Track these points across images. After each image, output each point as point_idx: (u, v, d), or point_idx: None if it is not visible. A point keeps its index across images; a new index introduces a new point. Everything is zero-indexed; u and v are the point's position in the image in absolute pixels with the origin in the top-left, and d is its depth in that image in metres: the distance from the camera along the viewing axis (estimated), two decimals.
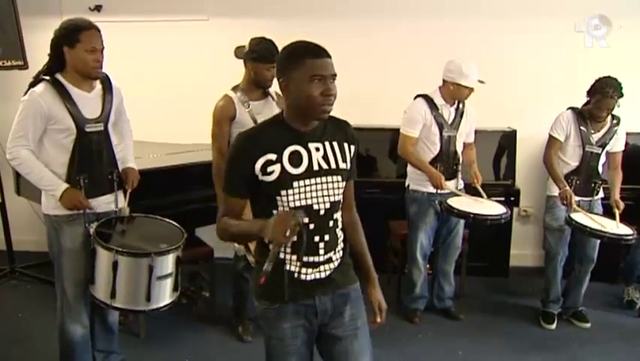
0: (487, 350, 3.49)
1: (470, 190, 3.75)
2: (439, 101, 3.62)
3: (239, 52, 3.28)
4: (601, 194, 3.68)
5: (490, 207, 3.54)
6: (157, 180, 3.64)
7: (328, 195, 1.81)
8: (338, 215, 1.87)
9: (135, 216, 2.90)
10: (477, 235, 4.08)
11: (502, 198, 4.17)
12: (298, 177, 1.77)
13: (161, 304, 2.69)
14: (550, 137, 3.68)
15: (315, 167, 1.79)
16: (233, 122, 3.25)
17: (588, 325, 3.75)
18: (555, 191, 3.64)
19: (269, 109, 3.35)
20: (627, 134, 3.73)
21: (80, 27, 2.61)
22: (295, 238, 1.66)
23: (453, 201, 3.53)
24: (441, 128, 3.59)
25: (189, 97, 4.52)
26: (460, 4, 4.52)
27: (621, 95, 3.45)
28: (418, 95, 3.66)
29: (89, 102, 2.69)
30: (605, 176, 3.72)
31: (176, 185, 3.79)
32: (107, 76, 2.81)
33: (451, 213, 3.50)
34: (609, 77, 3.49)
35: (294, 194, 1.77)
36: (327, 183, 1.81)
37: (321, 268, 1.86)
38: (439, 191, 3.58)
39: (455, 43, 4.34)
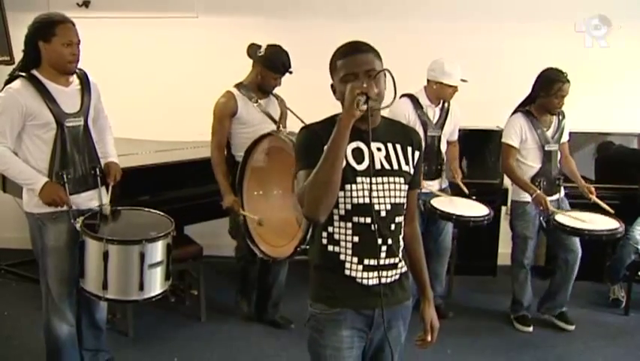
0: (475, 349, 3.51)
1: (455, 188, 3.77)
2: (424, 101, 3.63)
3: (252, 51, 3.31)
4: (563, 190, 3.70)
5: (473, 208, 3.56)
6: (145, 177, 3.62)
7: (389, 197, 1.76)
8: (400, 220, 1.81)
9: (120, 209, 2.89)
10: (465, 234, 4.10)
11: (485, 198, 4.19)
12: (361, 174, 1.73)
13: (154, 293, 2.69)
14: (506, 145, 3.62)
15: (377, 166, 1.75)
16: (235, 118, 3.29)
17: (572, 327, 3.72)
18: (524, 197, 3.59)
19: (273, 106, 3.41)
20: (633, 135, 3.73)
21: (55, 21, 2.59)
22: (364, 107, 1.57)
23: (436, 202, 3.54)
24: (425, 128, 3.59)
25: (178, 94, 4.50)
26: (461, 5, 4.54)
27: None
28: (403, 95, 3.65)
29: (67, 97, 2.67)
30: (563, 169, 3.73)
31: (165, 183, 3.76)
32: (84, 72, 2.79)
33: (434, 214, 3.51)
34: (550, 68, 3.52)
35: (357, 190, 1.72)
36: (388, 183, 1.76)
37: (383, 273, 1.79)
38: (423, 190, 3.59)
39: (455, 45, 4.33)
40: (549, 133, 3.60)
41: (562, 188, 3.68)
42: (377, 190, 1.74)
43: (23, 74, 2.62)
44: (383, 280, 1.78)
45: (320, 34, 4.55)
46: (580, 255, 3.68)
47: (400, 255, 1.84)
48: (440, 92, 3.59)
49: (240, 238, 3.36)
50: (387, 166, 1.77)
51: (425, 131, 3.59)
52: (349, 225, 1.75)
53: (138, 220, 2.89)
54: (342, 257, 1.77)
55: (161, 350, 3.38)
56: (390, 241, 1.78)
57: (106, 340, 3.08)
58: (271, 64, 3.24)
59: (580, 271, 3.77)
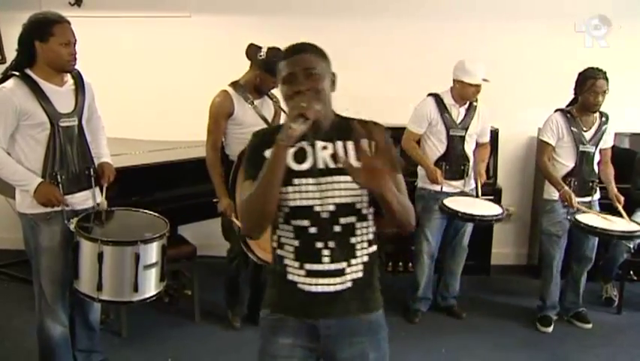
0: (469, 348, 3.51)
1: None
2: (448, 100, 3.65)
3: (252, 52, 3.26)
4: (598, 194, 3.69)
5: (490, 208, 3.57)
6: (139, 177, 3.61)
7: (332, 197, 1.64)
8: (349, 221, 1.66)
9: (115, 210, 2.88)
10: None
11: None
12: (299, 175, 1.65)
13: (148, 295, 2.68)
14: (541, 142, 3.66)
15: (320, 165, 1.66)
16: (231, 118, 3.26)
17: (589, 326, 3.74)
18: (553, 194, 3.61)
19: (267, 107, 3.39)
20: (625, 135, 3.74)
21: (53, 20, 2.57)
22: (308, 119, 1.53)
23: (450, 203, 3.52)
24: (448, 127, 3.62)
25: (171, 94, 4.48)
26: (460, 4, 4.54)
27: (607, 80, 3.47)
28: (430, 94, 3.70)
29: (61, 97, 2.65)
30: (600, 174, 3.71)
31: (159, 183, 3.75)
32: (78, 72, 2.77)
33: (455, 216, 3.51)
34: (589, 67, 3.51)
35: (294, 192, 1.65)
36: (332, 183, 1.65)
37: (329, 280, 1.65)
38: (444, 189, 3.62)
39: (454, 44, 4.36)
40: (587, 134, 3.59)
41: (596, 192, 3.66)
42: (318, 191, 1.65)
43: (17, 73, 2.59)
44: (328, 288, 1.65)
45: (313, 33, 4.46)
46: (592, 263, 3.71)
47: (358, 260, 1.68)
48: (462, 92, 3.60)
49: (234, 240, 3.34)
50: (331, 165, 1.66)
51: (447, 131, 3.62)
52: (290, 228, 1.67)
53: (133, 221, 2.87)
54: (285, 261, 1.69)
55: (155, 351, 3.37)
56: (332, 245, 1.65)
57: (100, 341, 3.07)
58: (272, 68, 3.19)
59: None
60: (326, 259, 1.65)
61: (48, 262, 2.70)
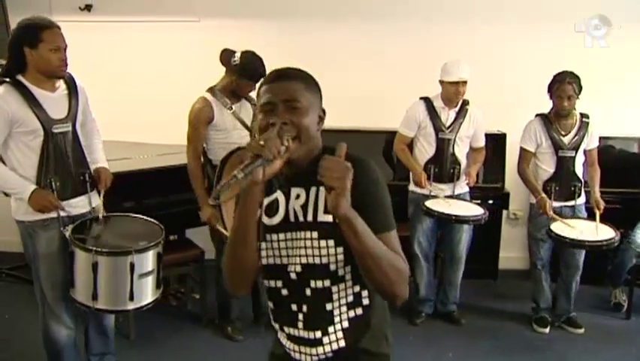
0: (476, 352, 3.50)
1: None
2: (438, 103, 3.67)
3: (225, 58, 3.25)
4: (583, 198, 3.67)
5: (470, 209, 3.57)
6: (147, 181, 3.63)
7: (299, 256, 1.42)
8: (323, 286, 1.42)
9: (111, 216, 2.84)
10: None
11: (491, 202, 4.20)
12: (272, 230, 1.45)
13: (144, 303, 2.67)
14: (521, 148, 3.69)
15: (291, 218, 1.44)
16: (211, 124, 3.24)
17: (581, 330, 3.72)
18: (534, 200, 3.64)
19: (245, 110, 3.36)
20: (634, 139, 3.70)
21: (42, 26, 2.52)
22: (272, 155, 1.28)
23: (431, 204, 3.54)
24: (437, 130, 3.63)
25: (180, 98, 4.45)
26: (459, 5, 4.54)
27: (580, 87, 3.46)
28: (421, 98, 3.73)
29: (54, 102, 2.61)
30: (586, 177, 3.71)
31: (167, 186, 3.77)
32: (71, 76, 2.73)
33: (432, 215, 3.53)
34: (564, 70, 3.52)
35: (267, 248, 1.46)
36: (300, 240, 1.42)
37: (308, 350, 1.47)
38: (433, 193, 3.63)
39: (453, 46, 4.35)
40: (566, 139, 3.58)
41: (579, 196, 3.63)
42: (287, 248, 1.44)
43: (7, 79, 2.55)
44: (305, 358, 1.48)
45: (322, 37, 4.58)
46: (580, 270, 3.68)
47: (338, 326, 1.45)
48: (444, 92, 3.63)
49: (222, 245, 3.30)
50: (301, 218, 1.43)
51: (437, 134, 3.64)
52: (266, 288, 1.52)
53: (128, 229, 2.83)
54: (272, 321, 1.56)
55: (163, 353, 3.39)
56: (305, 309, 1.44)
57: (113, 344, 3.06)
58: (248, 73, 3.17)
59: (581, 275, 3.77)
60: (300, 325, 1.47)
61: (47, 267, 2.68)
